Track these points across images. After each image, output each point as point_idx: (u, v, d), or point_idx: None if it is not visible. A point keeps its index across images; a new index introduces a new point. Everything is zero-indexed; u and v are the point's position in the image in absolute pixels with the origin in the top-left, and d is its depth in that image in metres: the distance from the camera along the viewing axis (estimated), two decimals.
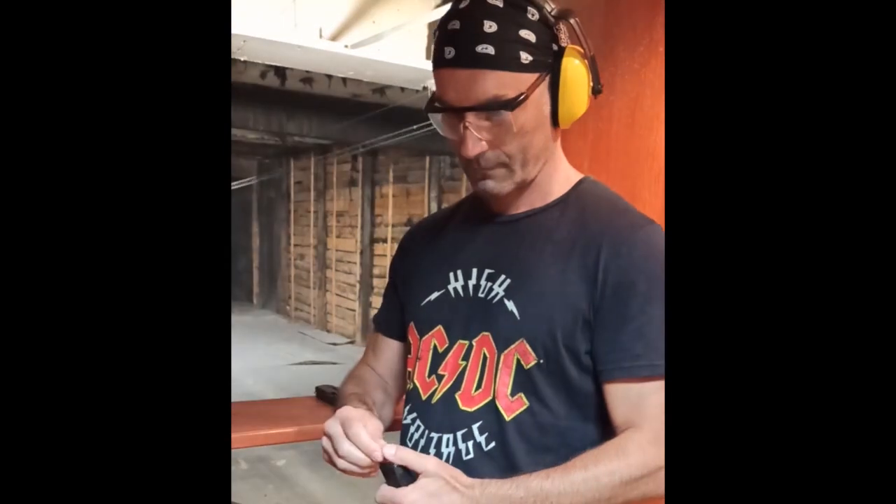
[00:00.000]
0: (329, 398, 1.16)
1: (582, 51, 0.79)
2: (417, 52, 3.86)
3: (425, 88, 4.14)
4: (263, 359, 7.26)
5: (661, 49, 1.13)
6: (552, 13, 0.77)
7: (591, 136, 1.28)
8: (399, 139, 6.26)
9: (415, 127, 5.69)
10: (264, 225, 11.28)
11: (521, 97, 0.73)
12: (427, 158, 7.26)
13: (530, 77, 0.74)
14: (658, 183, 1.16)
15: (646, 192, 1.17)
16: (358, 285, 8.35)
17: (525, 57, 0.73)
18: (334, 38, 3.54)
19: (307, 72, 4.88)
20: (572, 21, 0.77)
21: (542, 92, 0.76)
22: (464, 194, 6.51)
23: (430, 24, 3.68)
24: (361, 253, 8.39)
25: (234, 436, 1.14)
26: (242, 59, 3.57)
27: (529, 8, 0.74)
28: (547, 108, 0.78)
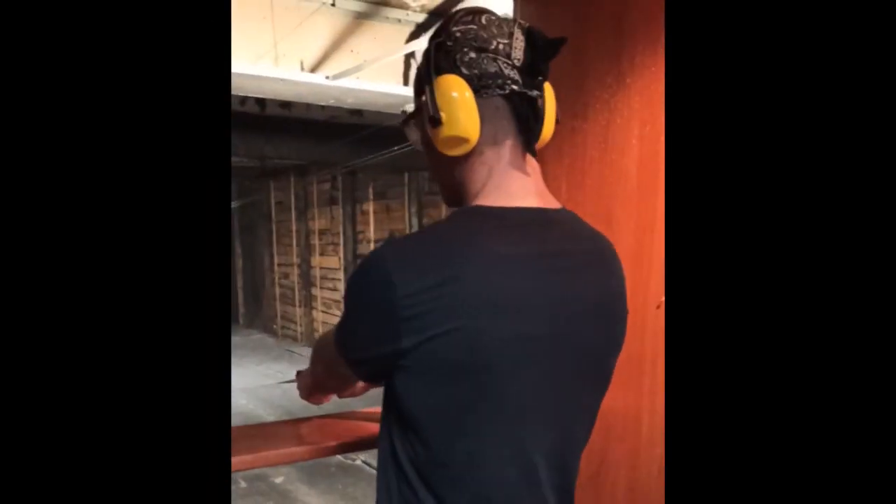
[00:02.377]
0: None
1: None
2: (396, 78, 4.03)
3: (404, 112, 4.30)
4: (254, 378, 7.34)
5: (628, 80, 1.28)
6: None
7: (566, 161, 1.43)
8: (378, 158, 6.40)
9: (395, 148, 5.85)
10: (247, 246, 11.33)
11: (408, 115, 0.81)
12: (406, 175, 7.42)
13: (417, 101, 0.79)
14: (630, 201, 1.29)
15: (619, 210, 1.30)
16: (343, 301, 8.43)
17: (415, 84, 0.80)
18: (314, 69, 3.70)
19: None
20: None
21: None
22: (443, 209, 6.58)
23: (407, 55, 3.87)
24: (345, 270, 8.50)
25: (246, 457, 1.26)
26: None
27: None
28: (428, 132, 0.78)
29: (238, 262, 11.53)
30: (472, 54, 0.73)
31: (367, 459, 4.52)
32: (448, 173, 0.79)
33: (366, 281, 0.72)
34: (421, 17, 3.96)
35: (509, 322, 0.70)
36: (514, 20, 0.76)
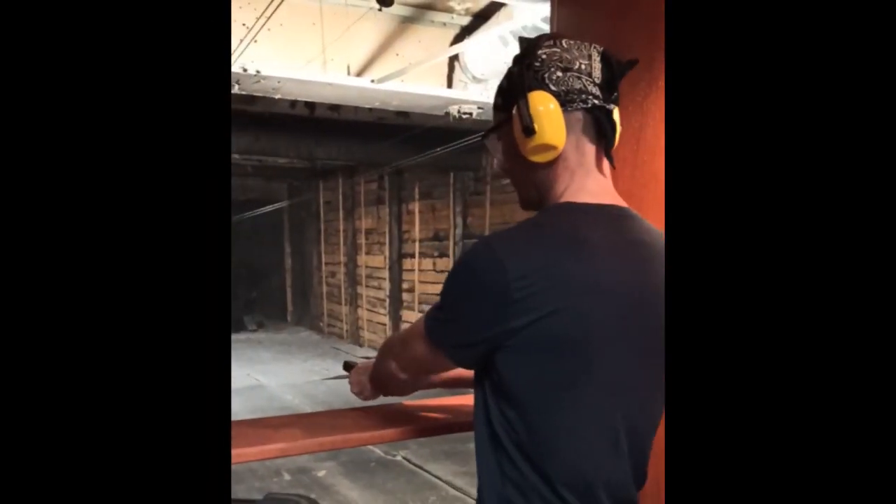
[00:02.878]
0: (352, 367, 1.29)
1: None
2: (440, 81, 4.09)
3: (447, 114, 4.36)
4: (300, 374, 7.52)
5: (661, 83, 1.29)
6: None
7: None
8: (424, 159, 6.47)
9: (439, 149, 5.91)
10: (296, 245, 11.60)
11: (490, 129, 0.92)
12: (451, 175, 7.47)
13: (500, 115, 0.90)
14: (661, 203, 1.30)
15: (650, 212, 1.32)
16: (388, 300, 8.57)
17: (497, 100, 0.91)
18: (361, 73, 3.79)
19: None
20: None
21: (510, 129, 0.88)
22: (488, 208, 6.60)
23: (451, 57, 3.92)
24: (390, 268, 8.62)
25: (283, 445, 1.34)
26: (277, 97, 3.83)
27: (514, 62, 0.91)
28: (515, 141, 0.87)
29: (287, 261, 11.81)
30: (559, 73, 0.84)
31: (407, 455, 4.59)
32: (533, 178, 0.89)
33: (476, 267, 0.81)
34: (465, 20, 4.00)
35: (607, 302, 0.79)
36: (590, 44, 0.86)
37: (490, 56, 3.63)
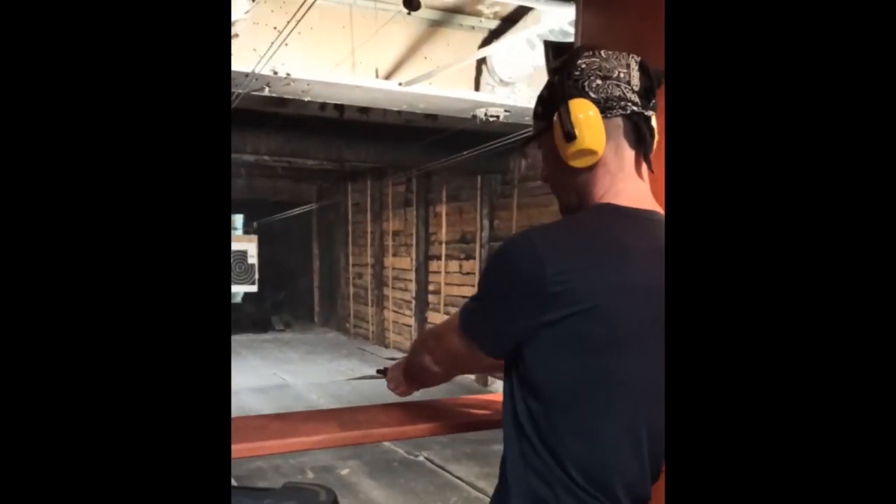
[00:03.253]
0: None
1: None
2: (467, 84, 4.11)
3: (474, 117, 4.38)
4: (325, 374, 7.60)
5: None
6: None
7: None
8: (451, 161, 6.50)
9: (465, 152, 5.93)
10: (324, 246, 11.73)
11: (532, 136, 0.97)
12: (479, 177, 7.49)
13: (540, 124, 0.95)
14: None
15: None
16: (414, 302, 8.61)
17: (538, 109, 0.95)
18: (389, 76, 3.83)
19: None
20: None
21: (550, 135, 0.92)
22: (514, 211, 6.58)
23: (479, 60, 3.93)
24: (416, 270, 8.66)
25: (306, 439, 1.37)
26: (307, 99, 3.89)
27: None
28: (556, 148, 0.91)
29: (315, 263, 11.95)
30: (599, 81, 0.87)
31: (429, 456, 4.61)
32: (573, 183, 0.92)
33: (515, 259, 0.83)
34: (494, 24, 4.02)
35: (637, 304, 0.82)
36: (628, 54, 0.90)
37: (517, 59, 3.64)
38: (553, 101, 0.90)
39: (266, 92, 3.68)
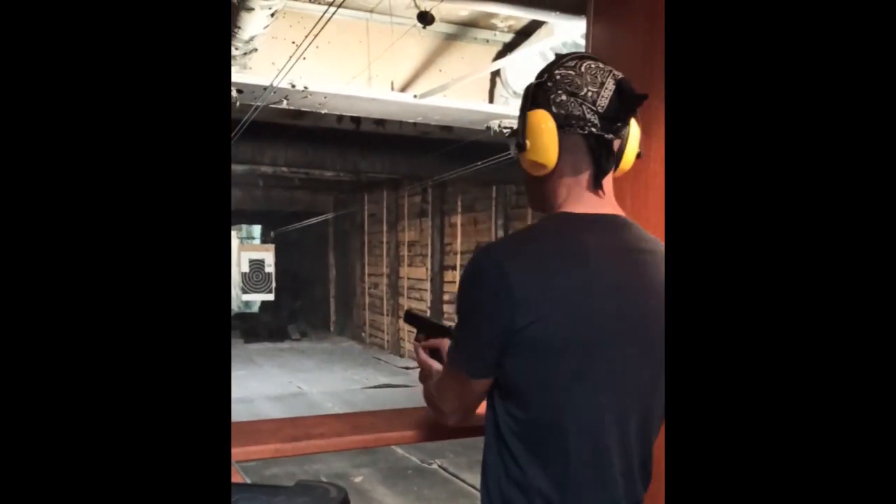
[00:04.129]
0: (415, 319, 1.24)
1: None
2: (481, 96, 4.16)
3: (488, 128, 4.42)
4: (341, 383, 7.64)
5: None
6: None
7: (630, 174, 1.50)
8: (466, 172, 6.55)
9: (480, 163, 5.97)
10: (340, 256, 11.81)
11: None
12: (493, 188, 7.52)
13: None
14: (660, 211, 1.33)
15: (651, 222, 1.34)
16: (429, 311, 8.63)
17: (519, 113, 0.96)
18: (404, 88, 3.90)
19: None
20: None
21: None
22: (529, 221, 6.56)
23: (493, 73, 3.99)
24: (432, 280, 8.70)
25: (321, 442, 1.40)
26: (323, 111, 3.97)
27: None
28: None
29: (331, 272, 12.03)
30: (564, 97, 0.87)
31: (443, 464, 4.63)
32: (535, 190, 0.94)
33: (482, 271, 0.85)
34: (508, 37, 4.07)
35: (600, 304, 0.83)
36: (610, 71, 0.89)
37: (531, 72, 3.66)
38: (524, 106, 0.91)
39: (284, 105, 3.76)
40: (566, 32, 3.00)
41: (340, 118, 5.47)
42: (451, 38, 4.01)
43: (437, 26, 3.92)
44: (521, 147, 0.89)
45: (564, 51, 3.23)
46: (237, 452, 1.36)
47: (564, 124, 0.87)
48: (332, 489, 1.03)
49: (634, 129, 0.93)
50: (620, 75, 0.89)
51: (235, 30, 2.92)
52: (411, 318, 1.21)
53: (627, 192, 1.53)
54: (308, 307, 12.46)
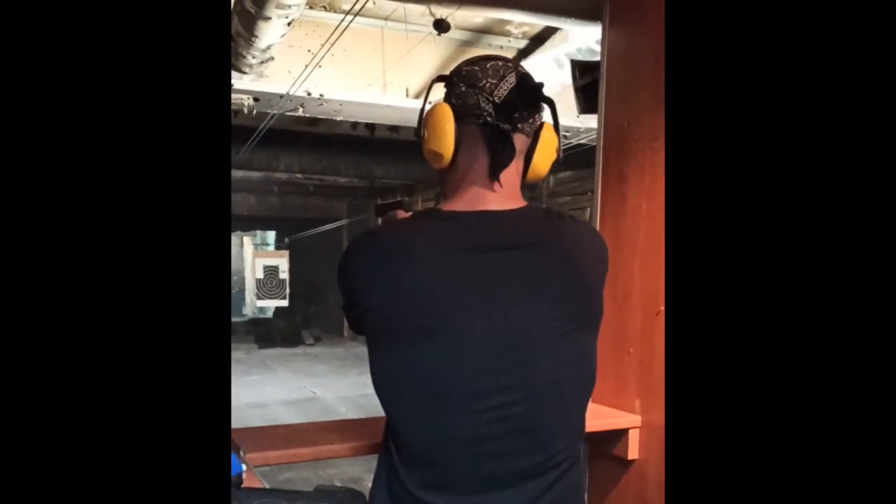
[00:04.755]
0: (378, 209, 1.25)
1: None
2: None
3: None
4: (354, 387, 7.65)
5: None
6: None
7: (647, 180, 1.51)
8: None
9: None
10: None
11: None
12: None
13: None
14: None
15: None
16: None
17: None
18: (419, 95, 3.92)
19: None
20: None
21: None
22: None
23: None
24: None
25: (334, 447, 1.41)
26: (339, 118, 4.00)
27: None
28: None
29: None
30: (462, 88, 0.88)
31: None
32: (441, 182, 0.95)
33: (343, 257, 0.91)
34: (523, 44, 4.08)
35: (431, 300, 0.83)
36: (515, 67, 0.89)
37: (545, 78, 3.68)
38: (425, 99, 0.93)
39: (300, 112, 3.80)
40: (581, 38, 3.01)
41: (355, 125, 5.51)
42: (465, 45, 4.03)
43: (452, 33, 3.95)
44: (419, 138, 0.91)
45: (579, 57, 3.25)
46: (255, 457, 1.38)
47: (462, 114, 0.87)
48: (351, 494, 1.04)
49: (549, 134, 0.92)
50: (525, 71, 0.89)
51: (252, 39, 2.95)
52: (378, 210, 1.24)
53: (643, 198, 1.54)
54: (322, 313, 12.51)
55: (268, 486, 1.21)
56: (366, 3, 2.65)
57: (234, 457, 1.15)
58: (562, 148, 0.96)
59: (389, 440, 0.91)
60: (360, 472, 4.46)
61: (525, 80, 0.88)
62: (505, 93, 0.87)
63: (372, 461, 1.06)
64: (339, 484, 3.88)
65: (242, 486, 1.11)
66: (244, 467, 1.18)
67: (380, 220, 1.15)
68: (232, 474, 1.11)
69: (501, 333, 0.84)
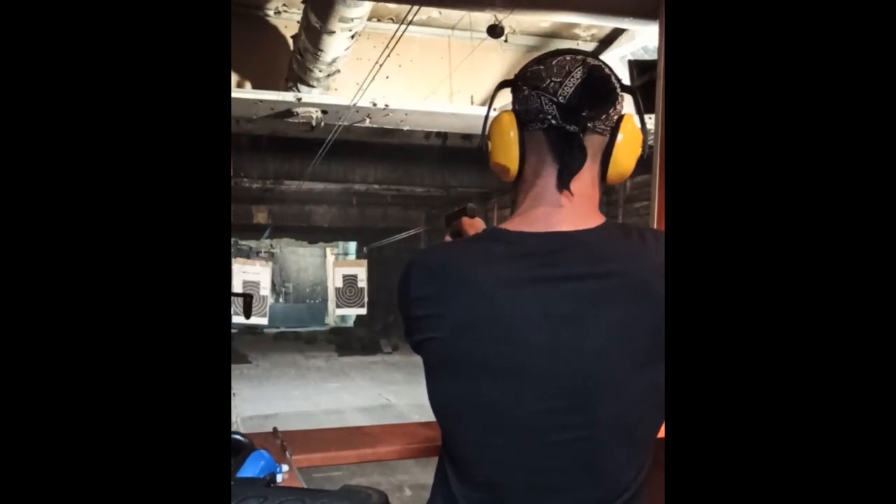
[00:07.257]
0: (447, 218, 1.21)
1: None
2: None
3: None
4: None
5: None
6: None
7: None
8: None
9: None
10: None
11: None
12: None
13: None
14: None
15: None
16: None
17: None
18: (485, 102, 3.92)
19: None
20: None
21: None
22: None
23: None
24: None
25: (385, 449, 1.43)
26: (406, 128, 4.06)
27: None
28: None
29: None
30: (526, 92, 0.80)
31: None
32: (513, 196, 0.88)
33: (400, 280, 0.85)
34: (591, 46, 4.00)
35: (495, 334, 0.77)
36: (584, 60, 0.80)
37: None
38: (489, 107, 0.88)
39: (367, 123, 3.88)
40: (647, 38, 2.91)
41: (428, 134, 5.58)
42: (533, 51, 3.99)
43: (519, 39, 3.93)
44: (483, 151, 0.84)
45: (643, 56, 3.14)
46: (299, 459, 1.41)
47: (526, 121, 0.79)
48: (374, 494, 1.04)
49: (630, 126, 0.81)
50: (596, 63, 0.80)
51: (318, 53, 3.05)
52: (446, 220, 1.19)
53: None
54: (400, 321, 12.70)
55: (304, 486, 1.23)
56: (418, 10, 2.68)
57: (269, 457, 1.18)
58: (648, 143, 0.85)
59: (444, 456, 0.87)
60: (428, 479, 4.46)
61: (594, 72, 0.79)
62: (570, 91, 0.77)
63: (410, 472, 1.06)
64: (408, 492, 3.89)
65: (280, 485, 1.14)
66: (285, 468, 1.21)
67: (448, 232, 1.13)
68: (265, 474, 1.14)
69: (569, 372, 0.78)
